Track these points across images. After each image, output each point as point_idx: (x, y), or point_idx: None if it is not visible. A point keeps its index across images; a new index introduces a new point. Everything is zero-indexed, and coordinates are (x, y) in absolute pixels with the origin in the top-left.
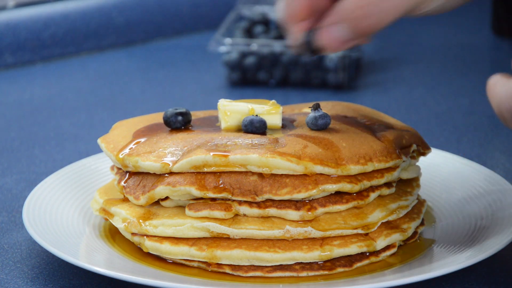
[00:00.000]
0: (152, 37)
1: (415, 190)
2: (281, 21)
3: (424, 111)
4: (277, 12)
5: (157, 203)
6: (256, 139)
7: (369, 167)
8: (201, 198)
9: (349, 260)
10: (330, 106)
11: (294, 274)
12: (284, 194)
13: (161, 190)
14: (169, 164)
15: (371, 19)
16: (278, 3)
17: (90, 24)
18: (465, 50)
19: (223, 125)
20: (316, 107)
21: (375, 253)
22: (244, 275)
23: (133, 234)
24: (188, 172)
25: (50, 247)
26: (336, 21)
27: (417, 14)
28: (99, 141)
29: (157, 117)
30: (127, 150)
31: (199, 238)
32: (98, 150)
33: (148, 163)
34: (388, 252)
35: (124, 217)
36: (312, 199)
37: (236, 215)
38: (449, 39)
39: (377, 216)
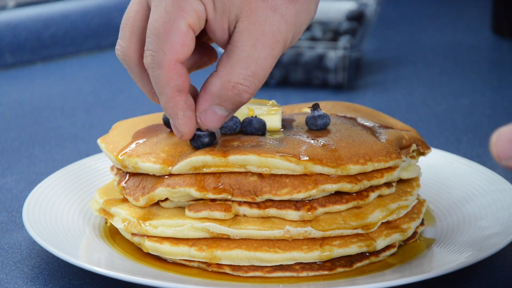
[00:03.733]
0: None
1: (415, 190)
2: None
3: (424, 111)
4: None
5: (157, 203)
6: (255, 139)
7: (368, 167)
8: (201, 199)
9: (349, 260)
10: (330, 106)
11: (294, 274)
12: (284, 194)
13: (160, 191)
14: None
15: (244, 94)
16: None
17: (90, 24)
18: (465, 50)
19: None
20: (316, 107)
21: (375, 253)
22: (244, 275)
23: (133, 234)
24: (187, 173)
25: (50, 247)
26: (209, 106)
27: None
28: (99, 141)
29: (157, 118)
30: (126, 151)
31: (199, 239)
32: (98, 150)
33: (148, 165)
34: (388, 252)
35: (124, 218)
36: (312, 199)
37: (236, 215)
38: (449, 39)
39: (377, 216)
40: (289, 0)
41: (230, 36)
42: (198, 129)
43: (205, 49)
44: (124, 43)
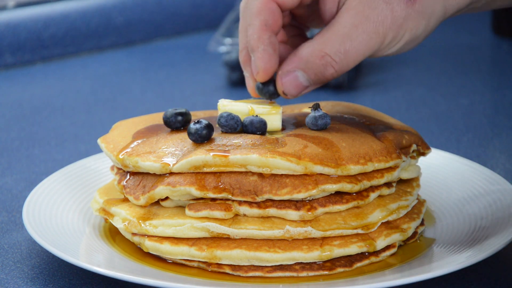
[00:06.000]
0: (152, 37)
1: (415, 190)
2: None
3: (424, 111)
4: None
5: (157, 203)
6: (256, 139)
7: (369, 167)
8: (201, 198)
9: (349, 260)
10: (330, 106)
11: (294, 274)
12: (284, 194)
13: (161, 190)
14: (169, 164)
15: (329, 68)
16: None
17: (90, 24)
18: (465, 50)
19: None
20: (316, 107)
21: (375, 253)
22: (244, 275)
23: (133, 234)
24: (188, 172)
25: (50, 247)
26: (294, 68)
27: (378, 56)
28: (99, 141)
29: (157, 118)
30: (127, 150)
31: (199, 238)
32: (98, 150)
33: (148, 163)
34: (388, 252)
35: (124, 217)
36: (312, 199)
37: (236, 215)
38: (449, 39)
39: (377, 216)
40: (406, 0)
41: (337, 11)
42: (195, 123)
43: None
44: None
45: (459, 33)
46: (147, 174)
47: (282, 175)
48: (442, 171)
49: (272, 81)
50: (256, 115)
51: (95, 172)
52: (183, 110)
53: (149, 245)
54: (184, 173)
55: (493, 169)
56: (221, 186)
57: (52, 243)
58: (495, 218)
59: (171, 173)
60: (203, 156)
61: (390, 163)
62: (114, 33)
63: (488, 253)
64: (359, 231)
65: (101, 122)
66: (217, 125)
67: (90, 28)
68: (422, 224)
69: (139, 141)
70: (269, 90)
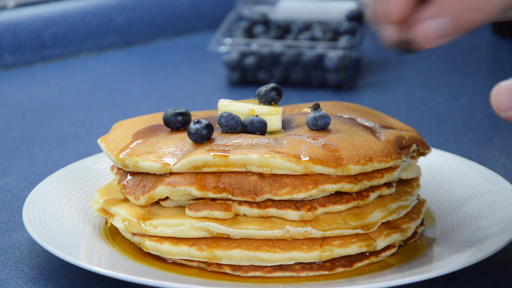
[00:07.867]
0: (152, 37)
1: (415, 190)
2: (372, 17)
3: (424, 111)
4: (368, 8)
5: (157, 203)
6: (256, 139)
7: (369, 167)
8: (201, 198)
9: (349, 260)
10: (330, 106)
11: (294, 274)
12: (284, 194)
13: (161, 190)
14: (169, 164)
15: (475, 13)
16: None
17: (90, 24)
18: (465, 50)
19: None
20: (316, 107)
21: (375, 253)
22: (244, 275)
23: (133, 234)
24: (188, 172)
25: (50, 247)
26: (436, 14)
27: None
28: (99, 141)
29: (157, 118)
30: (127, 150)
31: (199, 238)
32: (98, 150)
33: (148, 163)
34: (388, 252)
35: (124, 217)
36: (312, 199)
37: (236, 215)
38: None
39: (377, 216)
40: None
41: None
42: (195, 123)
43: None
44: None
45: None
46: (147, 174)
47: (282, 175)
48: (442, 171)
49: (274, 88)
50: (256, 115)
51: (95, 172)
52: (183, 110)
53: (149, 245)
54: (184, 173)
55: (493, 169)
56: (221, 186)
57: (52, 243)
58: (495, 218)
59: (171, 173)
60: (203, 156)
61: (390, 163)
62: (114, 33)
63: (488, 253)
64: (359, 231)
65: (101, 122)
66: (217, 125)
67: (90, 28)
68: (422, 224)
69: (139, 141)
70: (269, 96)
